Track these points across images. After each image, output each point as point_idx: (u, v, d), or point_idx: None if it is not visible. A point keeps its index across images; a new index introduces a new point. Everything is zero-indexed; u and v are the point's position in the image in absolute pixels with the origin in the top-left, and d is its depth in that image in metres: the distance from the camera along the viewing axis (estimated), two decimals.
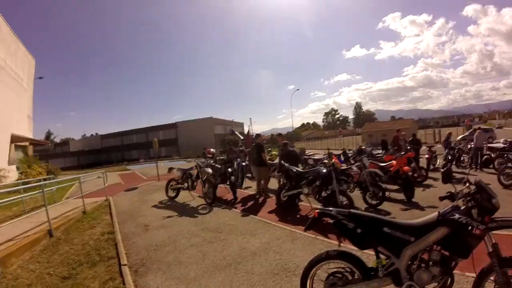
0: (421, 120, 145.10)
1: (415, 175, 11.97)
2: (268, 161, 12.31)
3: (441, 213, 3.27)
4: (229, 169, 11.86)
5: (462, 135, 16.84)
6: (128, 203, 11.98)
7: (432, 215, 3.33)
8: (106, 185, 14.02)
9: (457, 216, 3.15)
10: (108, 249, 6.71)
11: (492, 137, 16.17)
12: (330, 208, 3.70)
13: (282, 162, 9.67)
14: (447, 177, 3.75)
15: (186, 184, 11.83)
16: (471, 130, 17.61)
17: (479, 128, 17.38)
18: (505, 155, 12.14)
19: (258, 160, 11.04)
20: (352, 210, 3.62)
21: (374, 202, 8.80)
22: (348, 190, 8.77)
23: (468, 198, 3.21)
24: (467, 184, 3.32)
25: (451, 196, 3.35)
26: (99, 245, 6.97)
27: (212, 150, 14.03)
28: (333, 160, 8.79)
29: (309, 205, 8.66)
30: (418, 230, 3.26)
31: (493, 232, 3.13)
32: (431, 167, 14.94)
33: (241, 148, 19.39)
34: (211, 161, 12.77)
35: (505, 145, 14.92)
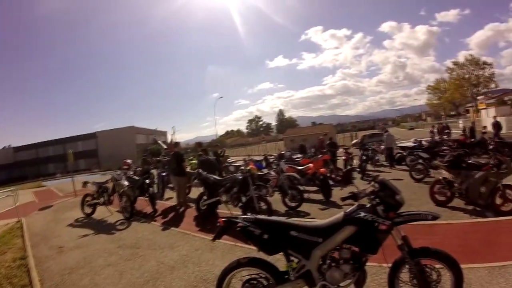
0: (339, 125, 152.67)
1: (333, 176, 12.51)
2: (189, 170, 12.13)
3: (347, 212, 3.37)
4: (147, 180, 11.37)
5: (354, 141, 17.93)
6: (41, 224, 11.21)
7: (339, 215, 3.42)
8: (16, 204, 13.11)
9: (362, 214, 3.28)
10: (21, 276, 6.19)
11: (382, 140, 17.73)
12: (236, 216, 3.74)
13: (200, 170, 9.58)
14: (347, 179, 3.90)
15: (102, 199, 11.15)
16: (360, 138, 18.78)
17: (386, 131, 18.88)
18: (415, 153, 13.13)
19: (177, 170, 10.77)
20: (258, 216, 3.67)
21: (293, 204, 9.08)
22: (267, 195, 8.88)
23: (372, 196, 3.37)
24: (372, 183, 3.49)
25: (353, 196, 3.49)
26: (11, 273, 6.40)
27: (128, 161, 13.42)
28: (250, 166, 8.90)
29: (229, 212, 8.64)
30: (325, 231, 3.33)
31: (413, 223, 3.39)
32: (348, 167, 15.64)
33: (158, 158, 18.95)
34: (130, 173, 12.28)
35: (415, 144, 16.19)
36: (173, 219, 9.78)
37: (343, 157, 15.86)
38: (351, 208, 3.43)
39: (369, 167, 15.49)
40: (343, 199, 3.56)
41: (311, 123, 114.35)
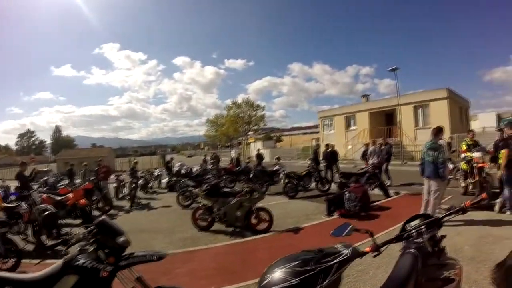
0: (121, 149, 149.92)
1: (100, 205, 11.79)
2: None
3: (67, 259, 2.94)
4: None
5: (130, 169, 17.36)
6: None
7: (58, 262, 2.98)
8: None
9: (82, 260, 2.91)
10: None
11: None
12: None
13: None
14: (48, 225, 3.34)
15: None
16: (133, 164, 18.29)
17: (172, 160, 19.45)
18: (182, 180, 13.82)
19: None
20: None
21: (50, 242, 7.84)
22: (19, 234, 7.50)
23: (92, 240, 3.03)
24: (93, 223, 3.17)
25: (64, 242, 3.10)
26: None
27: None
28: None
29: None
30: (43, 283, 2.85)
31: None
32: (120, 195, 15.04)
33: None
34: None
35: (187, 171, 17.04)
36: None
37: (114, 184, 15.19)
38: (72, 253, 3.03)
39: (141, 194, 15.35)
40: (49, 247, 3.11)
41: (91, 145, 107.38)
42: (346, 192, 9.00)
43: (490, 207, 8.29)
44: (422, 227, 2.46)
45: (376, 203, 10.12)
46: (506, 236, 6.26)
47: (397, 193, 12.03)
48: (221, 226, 8.22)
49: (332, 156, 16.30)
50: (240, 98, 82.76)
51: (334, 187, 13.36)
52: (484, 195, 2.70)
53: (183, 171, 17.04)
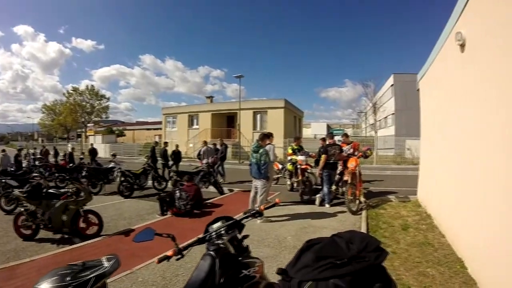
0: None
1: None
2: None
3: None
4: None
5: None
6: None
7: None
8: None
9: None
10: None
11: None
12: None
13: None
14: None
15: None
16: None
17: (3, 151, 17.79)
18: (3, 180, 12.29)
19: None
20: None
21: None
22: None
23: None
24: None
25: None
26: None
27: None
28: None
29: None
30: None
31: None
32: None
33: None
34: None
35: (11, 169, 15.60)
36: None
37: None
38: None
39: None
40: None
41: None
42: (177, 191, 9.33)
43: (311, 202, 10.00)
44: (222, 229, 2.66)
45: (210, 201, 10.91)
46: (324, 225, 7.59)
47: (231, 190, 13.16)
48: (48, 233, 7.50)
49: (176, 156, 17.01)
50: (83, 85, 76.43)
51: (170, 185, 13.66)
52: (277, 200, 3.07)
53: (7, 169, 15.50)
